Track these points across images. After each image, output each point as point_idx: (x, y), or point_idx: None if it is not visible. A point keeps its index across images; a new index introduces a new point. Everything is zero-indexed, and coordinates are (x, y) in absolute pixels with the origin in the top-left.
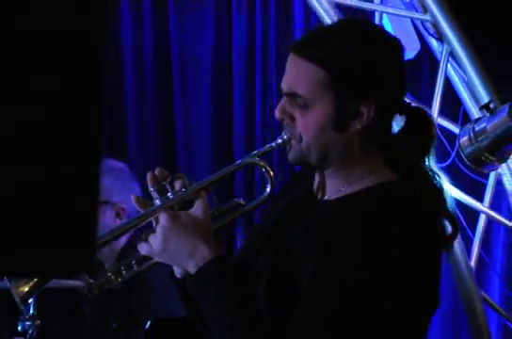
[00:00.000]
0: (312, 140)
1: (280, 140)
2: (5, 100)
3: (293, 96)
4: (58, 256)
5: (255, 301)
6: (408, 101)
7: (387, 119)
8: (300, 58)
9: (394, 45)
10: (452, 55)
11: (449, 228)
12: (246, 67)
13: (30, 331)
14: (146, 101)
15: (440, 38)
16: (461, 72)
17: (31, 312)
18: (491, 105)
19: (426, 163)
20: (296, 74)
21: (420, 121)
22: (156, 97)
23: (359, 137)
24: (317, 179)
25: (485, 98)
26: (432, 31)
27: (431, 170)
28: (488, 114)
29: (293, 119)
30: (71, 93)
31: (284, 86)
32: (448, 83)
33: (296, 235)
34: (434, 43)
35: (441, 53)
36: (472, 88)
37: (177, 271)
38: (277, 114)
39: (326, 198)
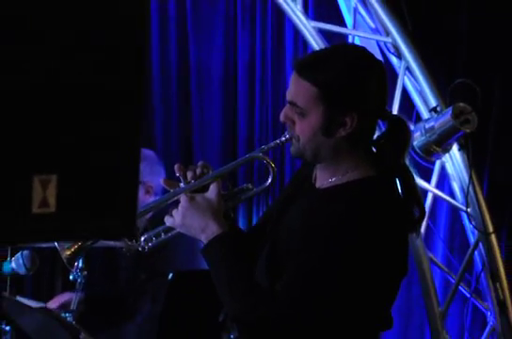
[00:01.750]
0: (306, 142)
1: (283, 138)
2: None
3: (293, 105)
4: (110, 224)
5: (252, 270)
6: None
7: (369, 126)
8: (300, 77)
9: (378, 67)
10: (408, 69)
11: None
12: (248, 77)
13: (79, 280)
14: (170, 103)
15: (399, 55)
16: (415, 83)
17: (80, 265)
18: (438, 108)
19: (402, 161)
20: (296, 89)
21: (398, 126)
22: (178, 100)
23: (344, 140)
24: (315, 170)
25: (433, 102)
26: (392, 50)
27: (406, 167)
28: (435, 115)
29: (293, 122)
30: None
31: (288, 96)
32: (404, 91)
33: (290, 216)
34: (394, 60)
35: (400, 67)
36: (423, 95)
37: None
38: (281, 118)
39: (318, 186)
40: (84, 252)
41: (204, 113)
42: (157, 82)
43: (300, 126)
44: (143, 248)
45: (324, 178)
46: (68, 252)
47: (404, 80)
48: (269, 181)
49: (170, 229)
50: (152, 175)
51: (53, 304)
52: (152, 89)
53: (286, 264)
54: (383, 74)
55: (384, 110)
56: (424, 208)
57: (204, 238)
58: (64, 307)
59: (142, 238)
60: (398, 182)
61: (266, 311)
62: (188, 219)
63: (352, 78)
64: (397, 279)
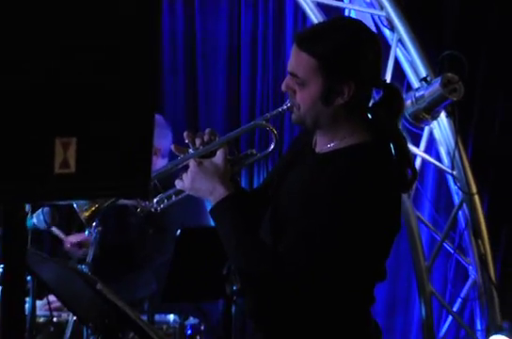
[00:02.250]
0: (306, 110)
1: (285, 107)
2: None
3: (294, 76)
4: (125, 184)
5: (257, 229)
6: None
7: (365, 94)
8: (300, 50)
9: (373, 39)
10: (400, 41)
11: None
12: (251, 49)
13: (94, 235)
14: (177, 71)
15: (392, 28)
16: (406, 54)
17: (95, 222)
18: (428, 78)
19: (396, 126)
20: (296, 61)
21: (393, 94)
22: (185, 68)
23: (342, 108)
24: (315, 136)
25: (423, 73)
26: (386, 23)
27: (400, 132)
28: (425, 84)
29: (294, 92)
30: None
31: (289, 67)
32: (396, 62)
33: (289, 181)
34: (387, 32)
35: (392, 40)
36: (414, 66)
37: None
38: (282, 88)
39: (317, 151)
40: (101, 213)
41: (209, 82)
42: (166, 52)
43: (301, 95)
44: (155, 209)
45: (323, 143)
46: (86, 214)
47: (396, 51)
48: (272, 147)
49: (180, 191)
50: (159, 138)
51: (73, 239)
52: (160, 59)
53: (287, 226)
54: (378, 46)
55: (379, 79)
56: (415, 170)
57: (212, 200)
58: (81, 245)
59: (155, 200)
60: (392, 146)
61: (269, 267)
62: (197, 183)
63: (349, 49)
64: (391, 236)
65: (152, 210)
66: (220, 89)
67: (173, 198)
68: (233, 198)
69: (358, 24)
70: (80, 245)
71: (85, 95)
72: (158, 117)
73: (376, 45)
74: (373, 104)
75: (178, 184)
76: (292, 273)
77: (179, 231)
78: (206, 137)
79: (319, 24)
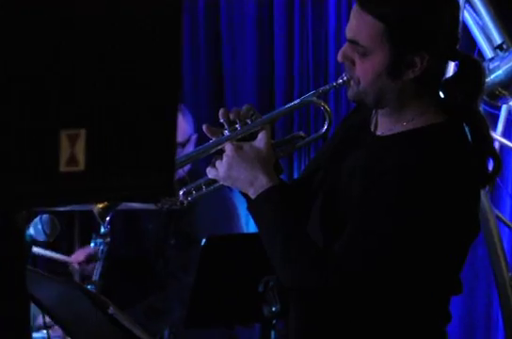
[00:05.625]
0: (368, 85)
1: (340, 80)
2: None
3: (354, 43)
4: (146, 182)
5: (304, 225)
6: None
7: (440, 67)
8: (363, 11)
9: (450, 2)
10: (468, 1)
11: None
12: (285, 19)
13: (101, 248)
14: (199, 48)
15: None
16: (476, 17)
17: (102, 230)
18: (504, 46)
19: (475, 106)
20: (359, 25)
21: (471, 67)
22: (207, 45)
23: (412, 84)
24: (373, 115)
25: (498, 40)
26: None
27: (479, 113)
28: (501, 53)
29: (353, 62)
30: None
31: (348, 33)
32: (464, 27)
33: (346, 165)
34: None
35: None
36: (486, 31)
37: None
38: (339, 57)
39: (378, 134)
40: (117, 205)
41: (236, 58)
42: (185, 23)
43: (362, 67)
44: (181, 202)
45: (386, 126)
46: (100, 205)
47: (464, 14)
48: (325, 128)
49: (213, 181)
50: (180, 126)
51: (79, 256)
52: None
53: (346, 219)
54: (457, 8)
55: (455, 49)
56: (499, 160)
57: (253, 193)
58: (90, 260)
59: (181, 192)
60: (469, 130)
61: (324, 272)
62: (235, 171)
63: (424, 12)
64: (469, 239)
65: (178, 205)
66: (249, 65)
67: (204, 189)
68: (279, 189)
69: None
70: (88, 260)
71: (94, 79)
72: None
73: (455, 7)
74: (445, 79)
75: (210, 172)
76: (352, 280)
77: (204, 240)
78: (244, 116)
79: None
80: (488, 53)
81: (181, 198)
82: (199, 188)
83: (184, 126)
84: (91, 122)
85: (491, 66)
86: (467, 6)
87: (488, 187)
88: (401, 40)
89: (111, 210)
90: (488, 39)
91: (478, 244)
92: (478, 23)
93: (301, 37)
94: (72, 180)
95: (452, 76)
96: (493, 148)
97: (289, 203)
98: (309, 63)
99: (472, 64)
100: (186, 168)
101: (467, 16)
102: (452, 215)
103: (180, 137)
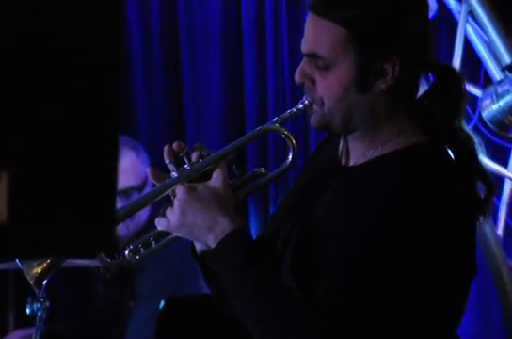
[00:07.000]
0: (334, 103)
1: (301, 105)
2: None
3: (313, 57)
4: (77, 234)
5: (279, 272)
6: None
7: (413, 77)
8: (321, 18)
9: (419, 1)
10: (471, 14)
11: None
12: (256, 34)
13: (39, 314)
14: (154, 70)
15: None
16: (481, 33)
17: (41, 292)
18: None
19: (458, 123)
20: (316, 34)
21: (449, 78)
22: (164, 66)
23: (384, 97)
24: (341, 145)
25: (506, 59)
26: None
27: (463, 130)
28: (510, 75)
29: (313, 82)
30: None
31: (304, 47)
32: (467, 43)
33: (319, 206)
34: (452, 3)
35: (460, 12)
36: (494, 49)
37: (197, 246)
38: (296, 77)
39: (351, 164)
40: (56, 267)
41: (200, 83)
42: (136, 43)
43: (324, 83)
44: (128, 263)
45: (359, 152)
46: (37, 270)
47: (466, 29)
48: (289, 160)
49: (163, 234)
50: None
51: (19, 333)
52: (127, 52)
53: (322, 267)
54: (426, 10)
55: (429, 58)
56: (491, 184)
57: (213, 240)
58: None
59: (126, 252)
60: (453, 151)
61: (312, 325)
62: (189, 217)
63: (389, 12)
64: (465, 282)
65: (124, 267)
66: (215, 90)
67: (153, 245)
68: (243, 232)
69: None
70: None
71: (17, 112)
72: (126, 139)
73: (424, 7)
74: (421, 94)
75: (159, 222)
76: (342, 328)
77: (162, 302)
78: (194, 155)
79: None
80: (496, 74)
81: (127, 258)
82: (146, 244)
83: (138, 167)
84: (15, 164)
85: (500, 90)
86: (470, 19)
87: (485, 215)
88: (367, 45)
89: (49, 274)
90: (496, 58)
91: (489, 289)
92: (484, 39)
93: (275, 57)
94: None
95: (428, 90)
96: (483, 170)
97: (256, 249)
98: (285, 87)
99: (449, 74)
100: (142, 221)
101: (470, 31)
102: (445, 250)
103: (135, 180)
